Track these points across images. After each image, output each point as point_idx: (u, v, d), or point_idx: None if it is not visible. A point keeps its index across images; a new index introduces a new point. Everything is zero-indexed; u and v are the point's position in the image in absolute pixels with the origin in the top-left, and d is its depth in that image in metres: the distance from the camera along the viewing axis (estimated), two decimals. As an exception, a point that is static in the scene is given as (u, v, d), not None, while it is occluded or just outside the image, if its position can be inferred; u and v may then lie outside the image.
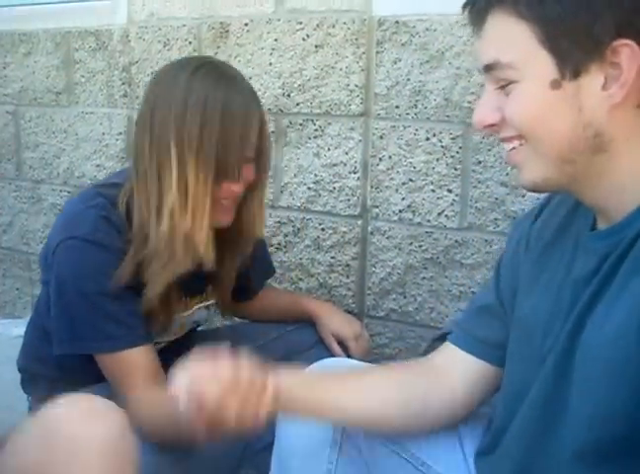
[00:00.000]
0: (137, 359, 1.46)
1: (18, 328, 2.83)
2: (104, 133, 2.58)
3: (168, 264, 1.45)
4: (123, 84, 2.50)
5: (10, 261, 3.00)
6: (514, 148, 0.98)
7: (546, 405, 1.01)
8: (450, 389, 1.22)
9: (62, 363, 1.62)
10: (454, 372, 1.23)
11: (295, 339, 1.85)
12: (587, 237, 1.02)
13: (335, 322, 1.85)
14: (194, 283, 1.62)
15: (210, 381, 1.05)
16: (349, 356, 1.76)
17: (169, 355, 1.49)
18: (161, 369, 1.48)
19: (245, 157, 1.47)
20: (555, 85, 0.90)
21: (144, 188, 1.46)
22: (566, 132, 0.92)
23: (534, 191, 1.04)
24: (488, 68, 0.95)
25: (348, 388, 1.23)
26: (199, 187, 1.41)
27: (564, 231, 1.08)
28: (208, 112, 1.40)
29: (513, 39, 0.92)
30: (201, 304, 1.72)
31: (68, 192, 2.73)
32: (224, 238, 1.56)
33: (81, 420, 1.00)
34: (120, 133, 2.53)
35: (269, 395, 1.09)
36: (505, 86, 0.94)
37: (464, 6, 0.98)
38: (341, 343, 1.84)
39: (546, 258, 1.09)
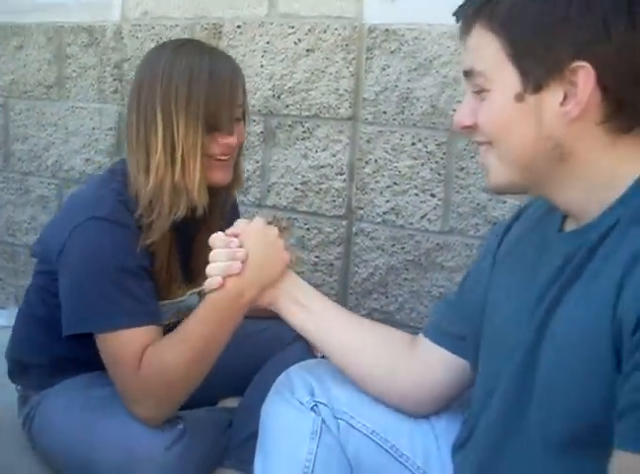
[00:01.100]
0: (149, 338, 1.45)
1: (1, 318, 2.85)
2: (94, 128, 2.62)
3: (160, 214, 1.51)
4: (115, 80, 2.54)
5: (-6, 251, 3.02)
6: (484, 151, 1.05)
7: (514, 399, 1.06)
8: (424, 377, 1.30)
9: (55, 352, 1.65)
10: (432, 364, 1.29)
11: (275, 334, 1.84)
12: (553, 238, 1.07)
13: None
14: (189, 266, 1.67)
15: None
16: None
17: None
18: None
19: (235, 116, 1.57)
20: (519, 98, 0.97)
21: (134, 156, 1.55)
22: (527, 142, 0.98)
23: (499, 193, 1.13)
24: (466, 74, 1.03)
25: (350, 337, 1.34)
26: (188, 139, 1.49)
27: (533, 233, 1.14)
28: (195, 74, 1.50)
29: (486, 51, 0.99)
30: (195, 290, 1.74)
31: (56, 184, 2.75)
32: (213, 204, 1.63)
33: None
34: (111, 129, 2.56)
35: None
36: (479, 92, 1.01)
37: (455, 14, 1.05)
38: None
39: (517, 260, 1.15)
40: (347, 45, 2.09)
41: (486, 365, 1.18)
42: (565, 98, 0.94)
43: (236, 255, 1.33)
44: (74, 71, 2.64)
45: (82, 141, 2.65)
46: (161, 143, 1.50)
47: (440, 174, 2.02)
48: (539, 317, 1.02)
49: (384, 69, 2.05)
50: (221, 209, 1.71)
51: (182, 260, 1.65)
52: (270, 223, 1.41)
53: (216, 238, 1.34)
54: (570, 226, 1.05)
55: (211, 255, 1.33)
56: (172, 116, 1.50)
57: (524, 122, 0.98)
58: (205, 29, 2.31)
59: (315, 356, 1.75)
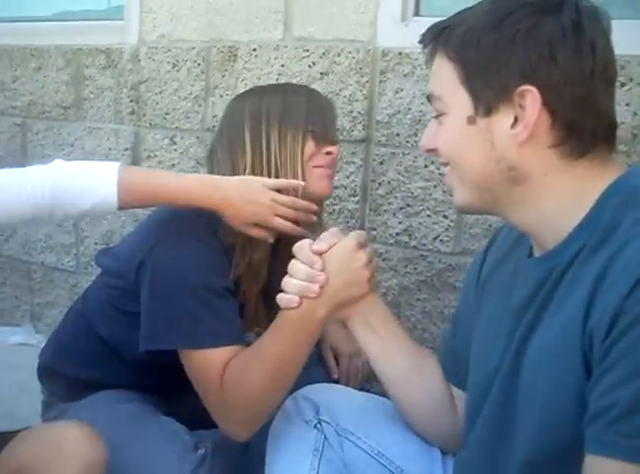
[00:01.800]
0: (232, 357, 1.41)
1: (16, 336, 2.89)
2: (110, 149, 2.66)
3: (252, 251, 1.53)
4: (131, 102, 2.58)
5: (10, 269, 3.05)
6: (446, 173, 1.09)
7: (496, 424, 1.08)
8: (449, 409, 1.31)
9: (89, 364, 1.67)
10: (444, 395, 1.32)
11: None
12: (524, 263, 1.09)
13: (336, 336, 1.84)
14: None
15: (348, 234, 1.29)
16: (337, 381, 1.79)
17: None
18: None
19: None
20: (471, 120, 1.00)
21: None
22: (480, 164, 1.01)
23: (463, 212, 1.20)
24: (428, 98, 1.08)
25: (407, 374, 1.33)
26: (284, 150, 1.53)
27: (505, 260, 1.17)
28: (289, 91, 1.60)
29: (443, 76, 1.02)
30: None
31: (72, 204, 2.79)
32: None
33: (82, 439, 1.29)
34: (127, 149, 2.60)
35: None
36: (439, 116, 1.05)
37: (419, 42, 1.08)
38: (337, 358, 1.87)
39: (493, 287, 1.18)
40: (360, 69, 2.12)
41: (472, 388, 1.20)
42: (515, 121, 0.97)
43: (317, 278, 1.25)
44: (91, 92, 2.68)
45: (99, 161, 2.68)
46: (250, 158, 1.53)
47: (452, 195, 2.03)
48: (516, 342, 1.04)
49: (397, 92, 2.08)
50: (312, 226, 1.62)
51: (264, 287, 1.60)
52: (361, 246, 1.30)
53: (301, 249, 1.28)
54: (537, 251, 1.07)
55: (291, 267, 1.27)
56: (261, 131, 1.53)
57: (477, 145, 1.00)
58: (221, 51, 2.35)
59: (333, 380, 1.77)
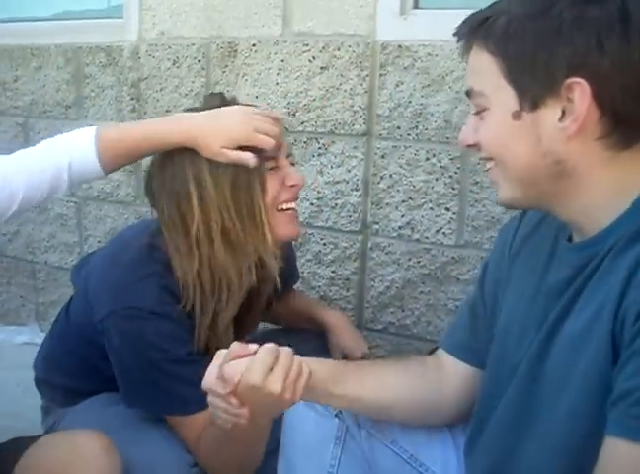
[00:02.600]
0: (208, 420, 1.38)
1: (22, 335, 2.90)
2: (112, 147, 2.65)
3: (229, 290, 1.47)
4: (132, 99, 2.58)
5: (14, 269, 3.06)
6: (490, 168, 1.07)
7: (519, 408, 1.08)
8: (443, 393, 1.30)
9: (81, 375, 1.67)
10: (447, 378, 1.30)
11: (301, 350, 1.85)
12: (563, 248, 1.09)
13: (345, 337, 1.84)
14: (244, 320, 1.63)
15: (252, 360, 1.10)
16: None
17: None
18: None
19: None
20: (516, 116, 0.98)
21: (171, 238, 1.46)
22: (526, 159, 0.99)
23: (508, 208, 1.15)
24: (468, 94, 1.05)
25: (369, 375, 1.30)
26: (239, 196, 1.42)
27: (543, 240, 1.15)
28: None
29: (484, 71, 1.00)
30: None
31: (75, 202, 2.80)
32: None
33: (99, 449, 1.31)
34: (128, 147, 2.60)
35: (305, 378, 1.13)
36: (480, 111, 1.03)
37: (454, 34, 1.06)
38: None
39: (525, 265, 1.17)
40: (360, 63, 2.12)
41: (489, 374, 1.20)
42: (563, 114, 0.95)
43: (239, 415, 1.14)
44: (92, 91, 2.68)
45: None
46: (198, 214, 1.41)
47: (454, 188, 2.04)
48: (548, 325, 1.04)
49: (398, 86, 2.07)
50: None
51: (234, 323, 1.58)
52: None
53: (214, 385, 1.15)
54: (577, 237, 1.06)
55: (210, 400, 1.17)
56: (203, 177, 1.41)
57: (523, 140, 0.99)
58: (221, 48, 2.34)
59: None
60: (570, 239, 1.08)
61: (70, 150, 1.44)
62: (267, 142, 1.42)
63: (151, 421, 1.53)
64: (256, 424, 1.20)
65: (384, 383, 1.30)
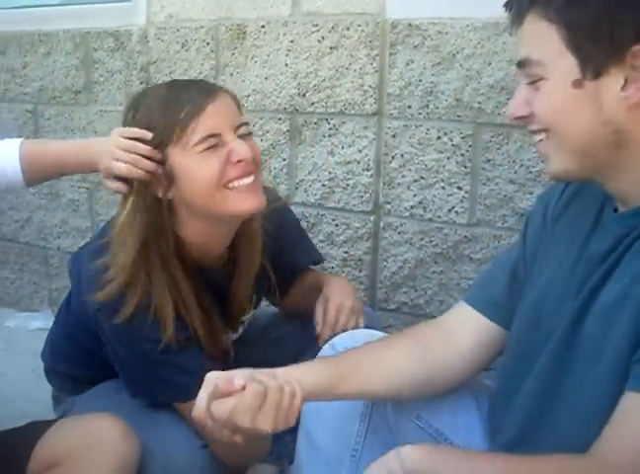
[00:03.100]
0: None
1: (36, 321, 2.92)
2: (122, 131, 2.65)
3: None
4: (142, 83, 2.57)
5: (27, 255, 3.07)
6: (541, 140, 1.05)
7: (552, 376, 1.08)
8: (459, 351, 1.28)
9: (87, 364, 1.68)
10: (464, 332, 1.28)
11: (299, 334, 1.85)
12: (609, 218, 1.08)
13: (334, 292, 1.69)
14: (230, 311, 1.65)
15: (239, 402, 1.07)
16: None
17: None
18: None
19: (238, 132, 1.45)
20: (577, 84, 0.97)
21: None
22: (586, 128, 0.99)
23: (559, 180, 1.13)
24: (521, 64, 1.03)
25: (368, 371, 1.25)
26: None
27: (584, 207, 1.15)
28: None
29: (542, 40, 0.99)
30: (241, 325, 1.74)
31: (86, 188, 2.80)
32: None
33: (110, 429, 1.33)
34: (139, 131, 2.60)
35: (298, 401, 1.12)
36: (535, 82, 1.01)
37: (505, 6, 1.05)
38: None
39: (565, 233, 1.16)
40: (370, 42, 2.11)
41: (526, 335, 1.18)
42: (625, 83, 0.94)
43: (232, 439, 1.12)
44: (101, 76, 2.68)
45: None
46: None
47: (466, 167, 2.03)
48: (585, 295, 1.04)
49: (408, 64, 2.06)
50: (251, 246, 1.58)
51: (219, 306, 1.60)
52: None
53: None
54: (621, 207, 1.06)
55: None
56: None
57: (583, 109, 0.98)
58: (230, 29, 2.33)
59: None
60: (616, 210, 1.07)
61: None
62: (120, 169, 1.40)
63: (160, 406, 1.54)
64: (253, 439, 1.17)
65: (385, 376, 1.26)
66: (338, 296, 1.66)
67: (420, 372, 1.26)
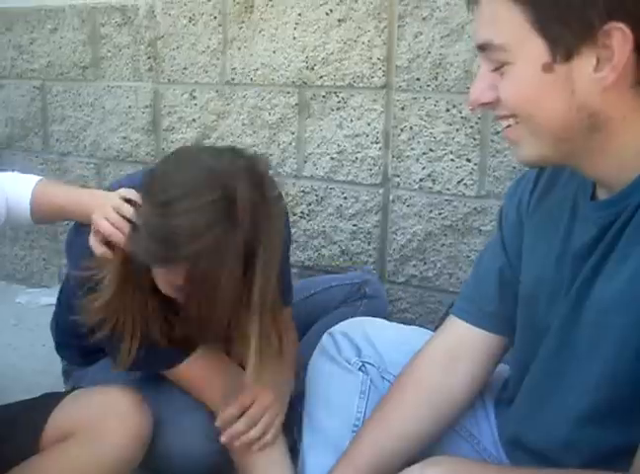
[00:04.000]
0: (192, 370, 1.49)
1: (46, 297, 2.93)
2: (130, 106, 2.65)
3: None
4: (149, 58, 2.57)
5: (37, 232, 3.07)
6: (509, 126, 0.99)
7: (551, 370, 1.07)
8: (467, 373, 1.26)
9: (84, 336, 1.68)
10: (462, 353, 1.25)
11: (323, 298, 1.92)
12: (587, 207, 1.03)
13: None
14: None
15: None
16: None
17: None
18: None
19: None
20: (547, 68, 0.90)
21: None
22: (560, 114, 0.92)
23: (531, 166, 1.07)
24: (482, 48, 0.94)
25: (384, 449, 1.23)
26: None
27: (561, 196, 1.10)
28: None
29: (505, 22, 0.90)
30: None
31: (95, 163, 2.80)
32: None
33: (130, 404, 1.35)
34: (147, 106, 2.60)
35: None
36: (499, 67, 0.94)
37: None
38: None
39: (544, 227, 1.12)
40: (378, 14, 2.10)
41: (520, 335, 1.17)
42: (598, 63, 0.88)
43: None
44: (109, 51, 2.67)
45: (119, 120, 2.69)
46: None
47: (475, 138, 2.03)
48: (577, 288, 1.01)
49: (417, 36, 2.06)
50: None
51: None
52: None
53: None
54: (602, 194, 1.01)
55: None
56: None
57: (555, 94, 0.91)
58: (237, 3, 2.32)
59: None
60: (592, 198, 1.03)
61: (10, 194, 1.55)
62: (105, 228, 1.37)
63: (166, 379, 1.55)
64: None
65: (403, 447, 1.24)
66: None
67: (431, 422, 1.25)
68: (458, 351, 1.25)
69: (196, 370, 1.49)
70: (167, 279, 1.32)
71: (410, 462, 1.12)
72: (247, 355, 1.36)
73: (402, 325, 1.47)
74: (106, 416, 1.34)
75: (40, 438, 1.36)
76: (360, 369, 1.33)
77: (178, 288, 1.31)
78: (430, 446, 1.26)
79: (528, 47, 0.90)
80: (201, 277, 1.25)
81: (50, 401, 1.43)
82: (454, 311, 1.28)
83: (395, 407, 1.26)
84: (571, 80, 0.90)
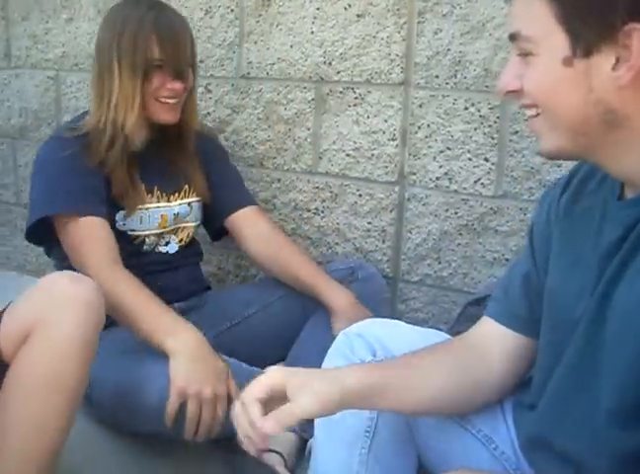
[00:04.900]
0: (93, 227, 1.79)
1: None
2: (144, 99, 2.63)
3: (104, 148, 1.84)
4: (165, 51, 2.55)
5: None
6: (532, 116, 1.02)
7: (579, 372, 1.06)
8: (489, 364, 1.25)
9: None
10: (492, 345, 1.26)
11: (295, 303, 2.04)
12: (613, 207, 1.05)
13: (348, 320, 1.72)
14: (167, 181, 2.00)
15: None
16: None
17: (164, 277, 1.96)
18: (116, 246, 1.81)
19: (184, 63, 1.88)
20: (567, 62, 0.94)
21: (96, 93, 1.90)
22: (576, 107, 0.96)
23: (551, 158, 1.09)
24: (512, 37, 1.00)
25: (399, 391, 1.21)
26: (125, 84, 1.82)
27: (591, 202, 1.11)
28: (141, 25, 1.82)
29: (534, 14, 0.95)
30: (183, 201, 2.03)
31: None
32: (171, 135, 1.99)
33: (70, 283, 1.35)
34: (161, 99, 2.58)
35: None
36: (525, 56, 0.99)
37: None
38: None
39: (574, 229, 1.13)
40: (398, 10, 2.08)
41: (546, 337, 1.16)
42: (617, 62, 0.91)
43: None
44: (124, 42, 2.65)
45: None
46: (106, 88, 1.85)
47: (493, 138, 2.01)
48: (602, 288, 1.01)
49: (436, 33, 2.03)
50: (186, 138, 2.02)
51: (155, 173, 1.98)
52: None
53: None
54: (629, 193, 1.02)
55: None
56: (115, 64, 1.82)
57: (573, 88, 0.95)
58: (255, -4, 2.31)
59: None
60: (620, 198, 1.04)
61: None
62: None
63: (146, 352, 1.69)
64: None
65: (417, 396, 1.23)
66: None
67: (453, 386, 1.24)
68: (491, 347, 1.26)
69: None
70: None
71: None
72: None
73: (416, 327, 1.46)
74: (56, 301, 1.32)
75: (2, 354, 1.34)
76: None
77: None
78: (447, 449, 1.26)
79: (552, 41, 0.94)
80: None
81: None
82: (488, 312, 1.29)
83: (428, 360, 1.25)
84: (589, 76, 0.93)
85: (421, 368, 1.23)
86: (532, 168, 1.97)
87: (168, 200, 1.99)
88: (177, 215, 2.02)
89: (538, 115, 1.01)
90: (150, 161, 1.96)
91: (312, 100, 2.26)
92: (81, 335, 1.30)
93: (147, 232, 1.95)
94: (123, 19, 1.83)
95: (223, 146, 2.28)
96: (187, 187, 2.05)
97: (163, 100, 1.86)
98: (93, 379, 1.46)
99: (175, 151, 2.01)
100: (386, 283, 2.14)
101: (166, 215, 1.98)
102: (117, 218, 1.89)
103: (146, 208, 1.94)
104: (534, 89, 0.99)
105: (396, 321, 1.47)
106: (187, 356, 1.60)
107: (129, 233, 1.92)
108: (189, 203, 2.05)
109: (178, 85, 1.85)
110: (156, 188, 1.97)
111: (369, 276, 2.05)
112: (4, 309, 1.41)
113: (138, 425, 1.70)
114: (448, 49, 2.02)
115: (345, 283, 1.98)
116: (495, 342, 1.26)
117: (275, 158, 2.37)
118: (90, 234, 1.78)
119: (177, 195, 2.02)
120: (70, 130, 1.89)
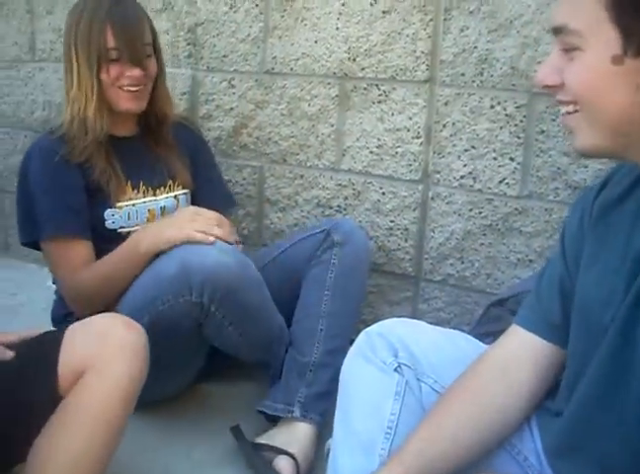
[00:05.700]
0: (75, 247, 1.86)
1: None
2: (167, 93, 2.62)
3: (79, 140, 1.88)
4: (189, 45, 2.54)
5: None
6: (568, 113, 1.00)
7: (609, 377, 1.03)
8: (518, 383, 1.22)
9: None
10: (521, 360, 1.22)
11: (293, 253, 2.06)
12: None
13: None
14: (152, 175, 2.02)
15: None
16: None
17: None
18: (88, 258, 1.87)
19: (143, 52, 1.90)
20: (617, 60, 0.91)
21: (65, 88, 1.95)
22: (621, 107, 0.93)
23: (585, 156, 1.07)
24: (557, 31, 0.97)
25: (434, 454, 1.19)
26: (84, 74, 1.87)
27: (625, 203, 1.09)
28: (96, 15, 1.85)
29: (584, 8, 0.92)
30: (169, 194, 2.05)
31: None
32: (150, 127, 2.05)
33: (124, 330, 1.41)
34: (184, 93, 2.57)
35: None
36: (570, 51, 0.96)
37: None
38: None
39: (607, 234, 1.10)
40: (424, 6, 2.05)
41: (575, 342, 1.14)
42: None
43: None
44: (148, 36, 2.64)
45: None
46: (69, 80, 1.91)
47: (519, 137, 1.98)
48: (636, 289, 0.99)
49: (463, 30, 2.01)
50: (163, 127, 2.06)
51: (139, 167, 1.99)
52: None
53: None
54: None
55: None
56: (73, 54, 1.88)
57: (620, 87, 0.92)
58: (280, -9, 2.29)
59: None
60: None
61: None
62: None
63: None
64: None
65: (466, 459, 1.20)
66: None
67: (482, 428, 1.21)
68: (519, 360, 1.22)
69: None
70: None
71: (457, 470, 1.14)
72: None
73: (438, 327, 1.44)
74: (104, 343, 1.39)
75: (58, 380, 1.39)
76: (395, 370, 1.30)
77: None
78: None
79: (602, 37, 0.91)
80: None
81: (53, 342, 1.44)
82: (518, 320, 1.26)
83: (450, 412, 1.22)
84: (637, 76, 0.90)
85: (449, 435, 1.20)
86: (559, 168, 1.94)
87: (154, 195, 2.01)
88: (164, 209, 2.03)
89: (576, 111, 0.98)
90: (133, 156, 1.99)
91: (336, 96, 2.24)
92: (129, 376, 1.38)
93: (136, 228, 1.94)
94: (81, 9, 1.87)
95: (204, 137, 2.32)
96: (171, 180, 2.06)
97: (125, 88, 1.89)
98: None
99: (155, 143, 2.06)
100: (370, 241, 2.17)
101: (154, 210, 2.00)
102: (105, 217, 1.90)
103: (133, 204, 1.95)
104: (578, 85, 0.96)
105: (418, 321, 1.46)
106: (162, 224, 1.80)
107: (119, 230, 1.92)
108: (175, 196, 2.06)
109: (137, 72, 1.88)
110: (142, 182, 1.98)
111: (347, 238, 1.97)
112: (60, 330, 1.46)
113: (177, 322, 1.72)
114: (475, 47, 1.99)
115: (321, 255, 1.96)
116: (524, 353, 1.22)
117: (298, 154, 2.36)
118: (65, 254, 1.86)
119: (162, 188, 2.03)
120: (51, 133, 1.93)
